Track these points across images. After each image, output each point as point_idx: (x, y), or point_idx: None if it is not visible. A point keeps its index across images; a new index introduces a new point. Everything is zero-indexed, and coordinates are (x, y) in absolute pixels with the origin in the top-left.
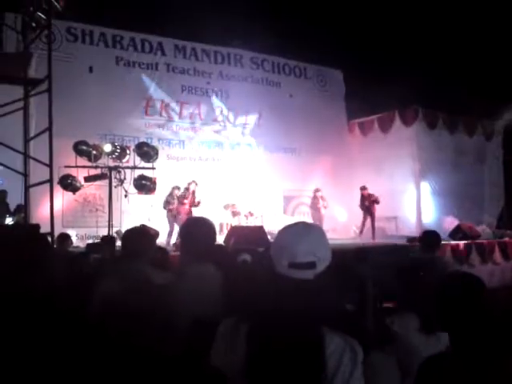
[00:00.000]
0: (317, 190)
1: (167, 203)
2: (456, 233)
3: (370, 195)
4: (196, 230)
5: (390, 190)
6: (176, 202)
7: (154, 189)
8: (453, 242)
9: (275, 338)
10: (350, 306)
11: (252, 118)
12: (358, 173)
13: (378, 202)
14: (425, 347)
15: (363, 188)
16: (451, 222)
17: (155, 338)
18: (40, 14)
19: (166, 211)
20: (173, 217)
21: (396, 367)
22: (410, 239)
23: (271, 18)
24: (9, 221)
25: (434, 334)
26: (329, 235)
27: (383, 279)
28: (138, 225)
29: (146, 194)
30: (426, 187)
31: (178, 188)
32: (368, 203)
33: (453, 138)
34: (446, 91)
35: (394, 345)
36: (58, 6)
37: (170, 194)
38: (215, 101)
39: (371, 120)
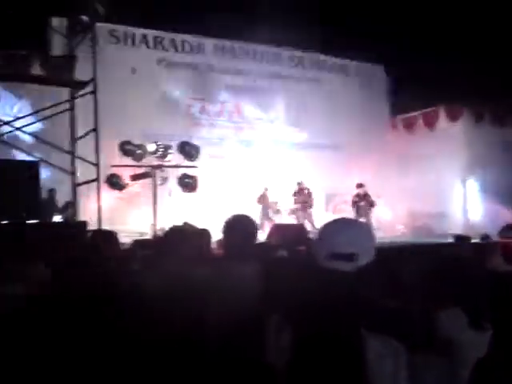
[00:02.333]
0: (360, 186)
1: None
2: (506, 231)
3: (366, 195)
4: (237, 227)
5: (436, 187)
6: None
7: (196, 187)
8: (502, 240)
9: (316, 339)
10: (393, 303)
11: (293, 116)
12: (402, 170)
13: (373, 206)
14: (473, 345)
15: (359, 185)
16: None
17: (193, 333)
18: (84, 17)
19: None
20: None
21: (444, 368)
22: (458, 237)
23: (312, 15)
24: (57, 218)
25: (481, 331)
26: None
27: (429, 277)
28: (181, 222)
29: (189, 192)
30: (473, 184)
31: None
32: (364, 204)
33: (500, 132)
34: (493, 85)
35: (441, 344)
36: (101, 9)
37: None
38: (255, 99)
39: (415, 116)
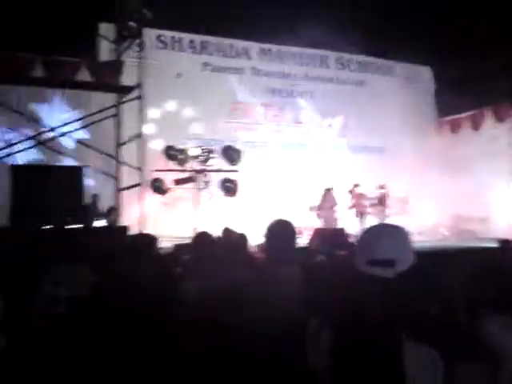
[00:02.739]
0: (381, 187)
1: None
2: None
3: (361, 195)
4: (279, 231)
5: (480, 190)
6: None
7: (236, 191)
8: None
9: (356, 345)
10: (435, 309)
11: (338, 119)
12: (448, 172)
13: (363, 214)
14: None
15: (355, 185)
16: None
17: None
18: (132, 23)
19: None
20: (326, 219)
21: (487, 377)
22: (503, 241)
23: (357, 16)
24: (99, 223)
25: None
26: (417, 237)
27: (474, 283)
28: (222, 227)
29: (230, 196)
30: None
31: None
32: (358, 208)
33: None
34: None
35: (485, 352)
36: (148, 14)
37: (324, 196)
38: (301, 102)
39: (462, 117)
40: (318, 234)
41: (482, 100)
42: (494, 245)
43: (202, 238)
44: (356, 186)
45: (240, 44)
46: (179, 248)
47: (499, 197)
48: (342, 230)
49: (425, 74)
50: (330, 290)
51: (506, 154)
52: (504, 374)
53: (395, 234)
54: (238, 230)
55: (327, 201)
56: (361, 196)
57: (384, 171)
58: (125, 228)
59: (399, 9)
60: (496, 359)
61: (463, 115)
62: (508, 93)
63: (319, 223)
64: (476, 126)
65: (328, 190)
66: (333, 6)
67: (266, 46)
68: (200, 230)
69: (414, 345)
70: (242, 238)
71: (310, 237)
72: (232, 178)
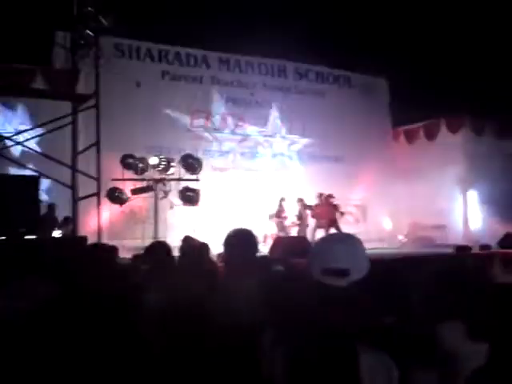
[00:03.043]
0: (330, 196)
1: (278, 213)
2: (505, 241)
3: (334, 206)
4: (237, 241)
5: (437, 198)
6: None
7: (198, 200)
8: (502, 250)
9: (310, 354)
10: (390, 318)
11: (296, 129)
12: (404, 181)
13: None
14: (472, 356)
15: (329, 196)
16: None
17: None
18: (88, 31)
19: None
20: (282, 227)
21: (440, 381)
22: (459, 248)
23: (315, 28)
24: (56, 233)
25: (479, 343)
26: (375, 245)
27: (431, 289)
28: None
29: (191, 205)
30: (473, 195)
31: (284, 199)
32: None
33: (500, 144)
34: (493, 97)
35: (438, 357)
36: (105, 22)
37: (280, 205)
38: (259, 112)
39: (416, 127)
40: (279, 242)
41: (436, 111)
42: (451, 251)
43: (158, 248)
44: (330, 196)
45: (199, 53)
46: (138, 258)
47: (455, 205)
48: (303, 238)
49: (380, 85)
50: (285, 300)
51: (460, 163)
52: (460, 380)
53: (349, 242)
54: (200, 239)
55: (282, 210)
56: (333, 206)
57: (341, 180)
58: (83, 238)
59: (355, 21)
60: (452, 366)
61: (418, 125)
62: (461, 104)
63: (276, 231)
64: (430, 135)
65: (283, 200)
66: (291, 18)
67: (225, 55)
68: (160, 239)
69: (370, 354)
70: (204, 248)
71: (271, 245)
72: (193, 187)
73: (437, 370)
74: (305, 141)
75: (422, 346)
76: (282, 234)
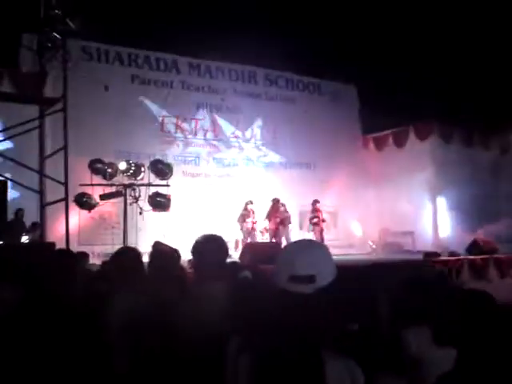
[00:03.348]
0: (316, 202)
1: (243, 217)
2: (473, 247)
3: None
4: (206, 248)
5: (406, 205)
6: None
7: (169, 206)
8: (470, 257)
9: (276, 362)
10: (356, 324)
11: (267, 135)
12: (374, 188)
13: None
14: (438, 361)
15: (316, 201)
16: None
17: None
18: (55, 34)
19: (239, 226)
20: (247, 232)
21: None
22: (427, 254)
23: (285, 34)
24: (24, 239)
25: (445, 348)
26: (345, 251)
27: (399, 295)
28: (152, 242)
29: (161, 211)
30: (442, 202)
31: (251, 202)
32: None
33: (468, 151)
34: (461, 105)
35: (405, 363)
36: (72, 25)
37: (245, 209)
38: (229, 117)
39: (386, 135)
40: (251, 248)
41: (405, 118)
42: (420, 258)
43: (127, 253)
44: (316, 201)
45: (169, 57)
46: (106, 265)
47: (424, 211)
48: (275, 243)
49: (350, 92)
50: (252, 308)
51: (429, 170)
52: (421, 380)
53: (314, 249)
54: (170, 245)
55: (248, 213)
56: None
57: (313, 186)
58: (51, 244)
59: (325, 28)
60: (418, 371)
61: (387, 132)
62: (430, 112)
63: (241, 236)
64: (399, 143)
65: (250, 203)
66: (262, 25)
67: (195, 60)
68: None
69: (335, 360)
70: (173, 253)
71: (241, 251)
72: (164, 192)
73: (403, 375)
74: (277, 147)
75: (388, 352)
76: (249, 240)
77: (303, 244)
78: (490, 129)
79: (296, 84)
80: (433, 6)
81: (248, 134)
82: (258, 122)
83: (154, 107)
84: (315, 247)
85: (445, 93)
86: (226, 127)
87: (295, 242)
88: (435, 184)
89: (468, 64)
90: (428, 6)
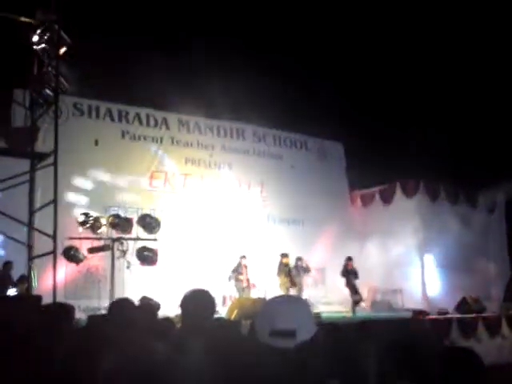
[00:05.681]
0: (299, 259)
1: (236, 273)
2: (462, 306)
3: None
4: (192, 303)
5: (394, 262)
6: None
7: (156, 260)
8: (458, 316)
9: None
10: (337, 380)
11: (255, 190)
12: (361, 244)
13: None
14: None
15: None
16: None
17: None
18: (48, 91)
19: (232, 281)
20: (241, 288)
21: None
22: (416, 312)
23: (273, 92)
24: (11, 292)
25: None
26: (334, 308)
27: (386, 352)
28: (140, 296)
29: (148, 265)
30: (430, 259)
31: (245, 257)
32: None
33: (455, 209)
34: (447, 163)
35: None
36: (65, 84)
37: (239, 264)
38: (218, 173)
39: (372, 192)
40: (238, 303)
41: (390, 175)
42: (408, 315)
43: (120, 307)
44: (299, 259)
45: (159, 114)
46: (94, 319)
47: (412, 269)
48: (263, 299)
49: (337, 149)
50: (234, 363)
51: (417, 228)
52: None
53: (294, 304)
54: (158, 300)
55: (241, 269)
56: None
57: (301, 242)
58: (37, 298)
59: (311, 87)
60: None
61: (372, 189)
62: (416, 169)
63: (235, 292)
64: (386, 200)
65: (244, 257)
66: (248, 82)
67: (184, 117)
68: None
69: None
70: (155, 308)
71: (229, 306)
72: (151, 246)
73: None
74: (264, 203)
75: None
76: (239, 295)
77: (283, 299)
78: (475, 188)
79: (284, 140)
80: (418, 64)
81: (237, 188)
82: (246, 178)
83: (143, 162)
84: (295, 302)
85: (431, 150)
86: (215, 182)
87: (276, 297)
88: (422, 241)
89: (454, 122)
90: (413, 65)
